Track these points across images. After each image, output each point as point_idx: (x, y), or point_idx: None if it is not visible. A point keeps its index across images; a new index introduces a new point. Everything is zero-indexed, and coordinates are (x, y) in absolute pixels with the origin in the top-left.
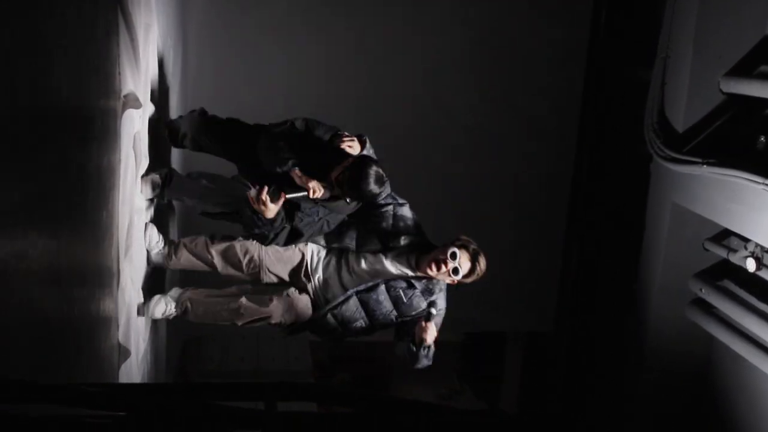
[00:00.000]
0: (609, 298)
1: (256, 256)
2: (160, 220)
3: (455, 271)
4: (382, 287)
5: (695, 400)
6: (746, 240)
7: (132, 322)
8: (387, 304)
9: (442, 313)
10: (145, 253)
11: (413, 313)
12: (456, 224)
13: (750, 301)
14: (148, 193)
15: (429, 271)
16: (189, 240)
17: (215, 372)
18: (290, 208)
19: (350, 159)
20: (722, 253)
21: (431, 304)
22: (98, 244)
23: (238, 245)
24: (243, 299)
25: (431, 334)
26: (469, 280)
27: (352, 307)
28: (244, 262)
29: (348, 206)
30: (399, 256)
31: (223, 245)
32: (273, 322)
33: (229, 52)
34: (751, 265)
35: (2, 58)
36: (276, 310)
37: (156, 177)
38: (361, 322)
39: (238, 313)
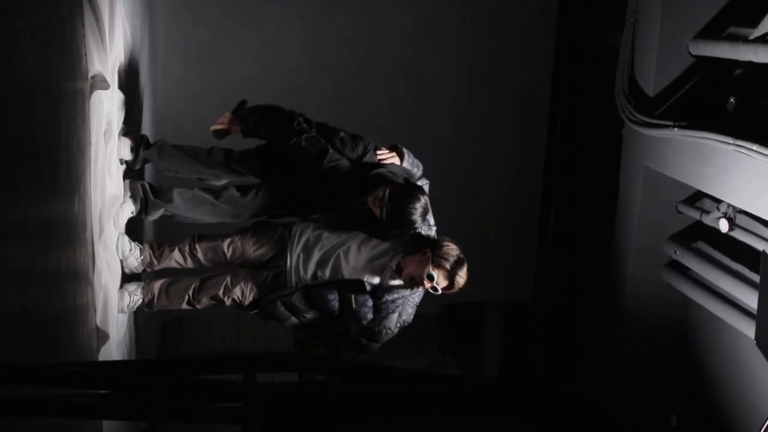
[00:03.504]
0: (586, 262)
1: (239, 244)
2: (131, 227)
3: (433, 289)
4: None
5: (674, 358)
6: (718, 201)
7: (109, 305)
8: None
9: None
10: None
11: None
12: (430, 193)
13: (723, 261)
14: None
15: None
16: (174, 243)
17: (196, 353)
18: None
19: (395, 185)
20: (695, 215)
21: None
22: (72, 228)
23: (224, 241)
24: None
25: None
26: (450, 292)
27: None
28: (228, 254)
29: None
30: (381, 255)
31: (210, 243)
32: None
33: (196, 30)
34: (723, 225)
35: None
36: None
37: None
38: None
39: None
